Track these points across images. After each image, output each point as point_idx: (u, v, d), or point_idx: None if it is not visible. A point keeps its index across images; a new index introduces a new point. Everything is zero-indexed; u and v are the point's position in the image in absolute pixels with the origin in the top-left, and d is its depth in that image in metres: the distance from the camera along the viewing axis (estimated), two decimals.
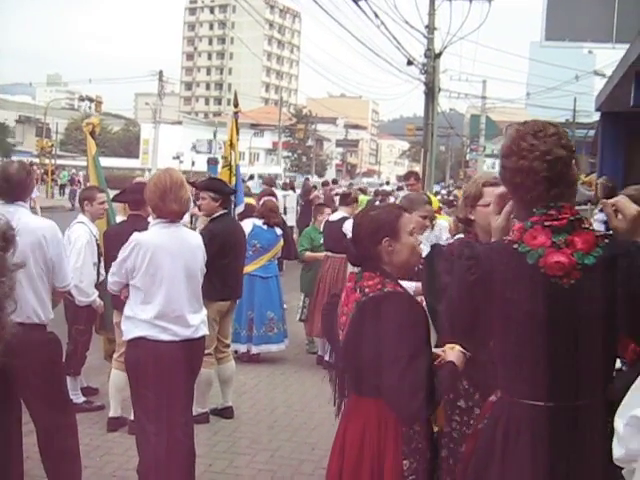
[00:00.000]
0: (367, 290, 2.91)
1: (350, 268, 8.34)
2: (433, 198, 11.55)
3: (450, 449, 3.43)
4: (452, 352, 2.98)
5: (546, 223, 2.43)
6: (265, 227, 8.81)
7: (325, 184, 22.45)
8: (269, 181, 15.30)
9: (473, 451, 2.61)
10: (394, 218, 3.00)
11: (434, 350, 3.01)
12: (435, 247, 3.72)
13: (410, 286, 3.66)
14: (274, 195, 11.86)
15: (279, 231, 8.98)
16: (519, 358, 2.43)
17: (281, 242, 9.00)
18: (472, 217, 3.75)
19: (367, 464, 2.83)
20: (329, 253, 8.92)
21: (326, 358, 8.23)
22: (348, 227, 8.38)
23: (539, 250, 2.39)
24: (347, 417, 3.01)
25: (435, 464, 2.97)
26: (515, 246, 2.43)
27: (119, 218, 7.22)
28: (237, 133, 8.96)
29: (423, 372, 2.76)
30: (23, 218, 4.42)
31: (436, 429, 3.06)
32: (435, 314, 3.31)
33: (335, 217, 9.07)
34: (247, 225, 8.34)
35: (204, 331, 4.68)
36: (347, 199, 9.40)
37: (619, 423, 1.84)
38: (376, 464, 2.82)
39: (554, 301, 2.36)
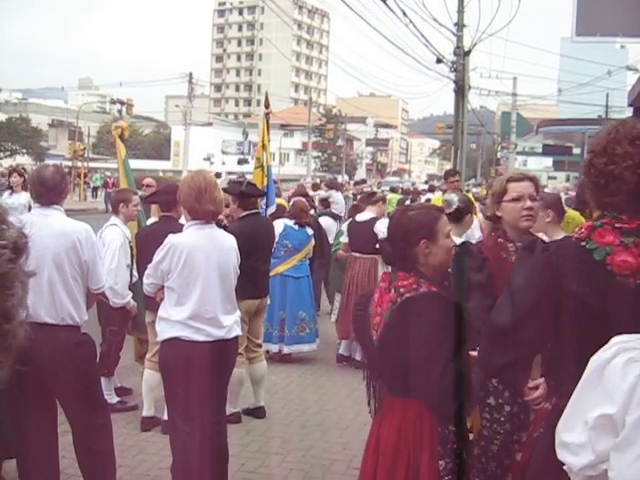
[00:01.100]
0: (402, 290, 2.90)
1: (381, 269, 8.34)
2: (470, 196, 11.51)
3: (481, 447, 3.41)
4: None
5: (617, 225, 2.40)
6: (296, 227, 8.81)
7: (358, 183, 22.35)
8: (301, 191, 15.15)
9: (529, 460, 2.57)
10: (432, 220, 2.99)
11: None
12: (464, 245, 3.70)
13: None
14: (305, 195, 11.87)
15: (310, 231, 8.98)
16: (580, 358, 2.38)
17: (312, 242, 9.00)
18: (499, 214, 3.73)
19: (403, 464, 2.82)
20: (357, 254, 8.76)
21: (356, 357, 8.25)
22: (380, 227, 8.29)
23: (607, 248, 2.36)
24: (381, 417, 3.00)
25: (471, 462, 2.96)
26: (583, 243, 2.41)
27: (150, 220, 7.26)
28: (268, 134, 9.00)
29: (462, 370, 2.75)
30: (58, 221, 4.48)
31: (471, 436, 3.05)
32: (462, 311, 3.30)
33: (363, 217, 8.88)
34: (278, 225, 8.36)
35: (237, 332, 4.70)
36: (372, 198, 9.22)
37: (575, 433, 1.79)
38: (412, 465, 2.81)
39: (619, 299, 2.32)
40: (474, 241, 4.26)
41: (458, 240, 4.63)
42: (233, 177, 16.20)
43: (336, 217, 11.47)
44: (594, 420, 1.72)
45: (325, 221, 9.00)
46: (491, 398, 3.45)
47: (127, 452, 5.71)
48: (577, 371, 2.05)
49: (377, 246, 8.26)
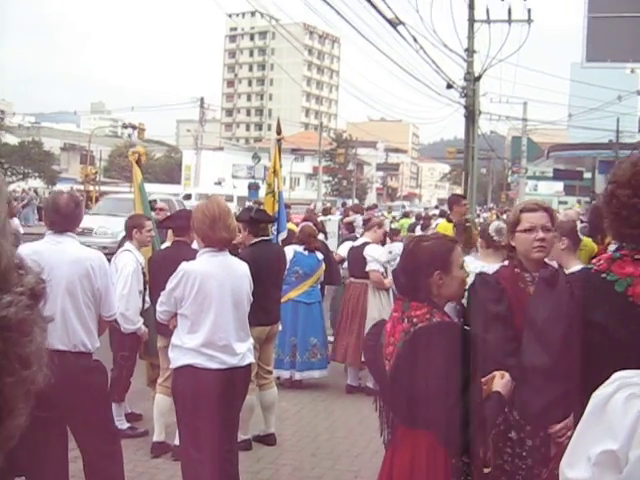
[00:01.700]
0: (415, 320, 2.90)
1: (371, 293, 8.41)
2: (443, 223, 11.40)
3: None
4: (500, 381, 2.94)
5: (636, 256, 2.40)
6: (306, 253, 8.82)
7: (370, 208, 22.32)
8: (310, 216, 15.09)
9: None
10: (447, 251, 2.99)
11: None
12: (481, 276, 3.69)
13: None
14: (313, 220, 11.87)
15: (320, 256, 8.99)
16: None
17: (323, 267, 9.01)
18: (513, 243, 3.72)
19: None
20: (352, 279, 8.96)
21: (368, 385, 8.22)
22: (369, 252, 8.53)
23: (628, 279, 2.36)
24: (394, 448, 2.98)
25: None
26: (604, 275, 2.41)
27: (165, 245, 7.29)
28: (280, 160, 9.03)
29: (474, 402, 2.74)
30: (72, 249, 4.50)
31: (487, 470, 3.02)
32: (481, 342, 3.28)
33: (357, 243, 9.14)
34: (288, 252, 8.36)
35: (250, 359, 4.71)
36: (368, 224, 9.42)
37: (578, 470, 1.77)
38: None
39: None
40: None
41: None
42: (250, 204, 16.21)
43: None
44: (597, 456, 1.69)
45: (376, 247, 9.15)
46: (512, 432, 3.40)
47: (137, 479, 5.69)
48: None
49: (366, 270, 8.52)
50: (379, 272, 8.57)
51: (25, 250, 4.49)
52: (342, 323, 8.93)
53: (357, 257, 8.74)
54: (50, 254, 4.35)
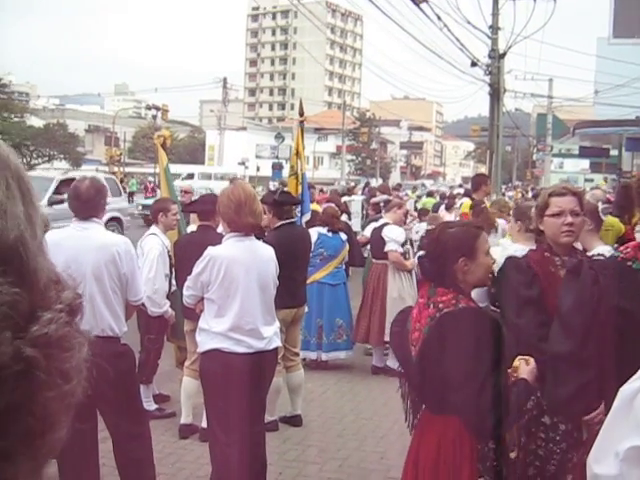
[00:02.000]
0: (441, 305, 2.91)
1: (391, 275, 8.41)
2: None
3: (537, 467, 3.36)
4: (525, 368, 2.94)
5: None
6: (330, 234, 8.82)
7: (395, 188, 22.21)
8: (333, 197, 14.98)
9: None
10: (472, 237, 2.98)
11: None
12: (512, 260, 3.67)
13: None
14: (335, 201, 11.89)
15: (344, 236, 9.00)
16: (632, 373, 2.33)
17: (347, 247, 9.02)
18: (542, 227, 3.70)
19: None
20: (374, 260, 8.99)
21: (389, 365, 8.26)
22: (387, 232, 8.54)
23: None
24: (420, 434, 3.00)
25: None
26: (629, 263, 2.40)
27: (189, 228, 7.33)
28: (303, 141, 9.02)
29: (500, 387, 2.74)
30: (97, 234, 4.55)
31: (513, 455, 3.03)
32: (512, 327, 3.27)
33: (378, 224, 9.14)
34: (312, 234, 8.36)
35: (277, 343, 4.73)
36: (387, 206, 9.43)
37: (606, 465, 1.75)
38: None
39: None
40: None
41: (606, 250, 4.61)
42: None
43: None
44: (625, 452, 1.68)
45: (394, 227, 9.17)
46: (546, 417, 3.38)
47: (165, 460, 5.76)
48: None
49: (384, 251, 8.56)
50: (397, 252, 8.56)
51: (52, 237, 4.56)
52: (364, 304, 8.97)
53: (377, 238, 8.77)
54: (76, 240, 4.40)
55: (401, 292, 8.61)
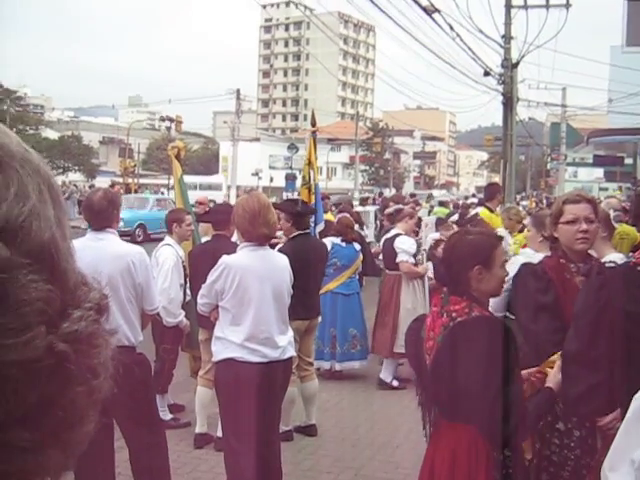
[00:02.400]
0: (454, 314, 2.91)
1: (405, 285, 8.36)
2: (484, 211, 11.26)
3: (550, 473, 3.36)
4: (553, 377, 2.95)
5: None
6: (344, 244, 8.84)
7: (412, 195, 22.13)
8: (346, 207, 14.92)
9: None
10: (490, 247, 2.99)
11: (526, 372, 2.99)
12: (527, 266, 3.68)
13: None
14: (348, 211, 11.88)
15: (358, 246, 9.01)
16: None
17: (360, 257, 9.03)
18: (556, 235, 3.71)
19: None
20: (387, 271, 8.94)
21: (393, 383, 8.24)
22: (398, 244, 8.48)
23: None
24: (436, 442, 3.00)
25: None
26: (639, 268, 2.40)
27: (204, 238, 7.36)
28: (315, 152, 9.05)
29: (515, 396, 2.75)
30: (112, 245, 4.58)
31: (528, 457, 3.03)
32: (528, 333, 3.29)
33: (389, 235, 9.06)
34: (326, 244, 8.37)
35: (291, 352, 4.75)
36: (399, 215, 9.30)
37: (621, 473, 1.74)
38: None
39: None
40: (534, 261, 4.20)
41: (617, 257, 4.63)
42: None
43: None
44: None
45: (405, 238, 9.11)
46: (560, 423, 3.39)
47: (181, 470, 5.78)
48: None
49: (396, 262, 8.49)
50: (409, 263, 8.53)
51: None
52: (378, 315, 8.93)
53: (389, 249, 8.74)
54: (92, 251, 4.44)
55: (414, 303, 8.58)
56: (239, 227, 4.65)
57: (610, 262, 4.77)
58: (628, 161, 53.72)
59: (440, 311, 2.98)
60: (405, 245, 8.53)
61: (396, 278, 8.70)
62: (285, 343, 4.67)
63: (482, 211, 10.87)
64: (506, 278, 3.06)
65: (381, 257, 9.36)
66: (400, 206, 15.56)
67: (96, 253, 4.43)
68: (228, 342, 4.54)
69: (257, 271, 4.55)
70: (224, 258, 4.63)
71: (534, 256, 5.26)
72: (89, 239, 4.63)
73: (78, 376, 0.64)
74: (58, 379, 0.62)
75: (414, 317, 8.39)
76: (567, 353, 2.53)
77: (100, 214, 4.59)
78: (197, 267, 6.07)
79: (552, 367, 3.03)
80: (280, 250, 6.49)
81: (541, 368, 3.10)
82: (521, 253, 6.12)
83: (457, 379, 2.83)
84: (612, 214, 6.41)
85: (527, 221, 6.78)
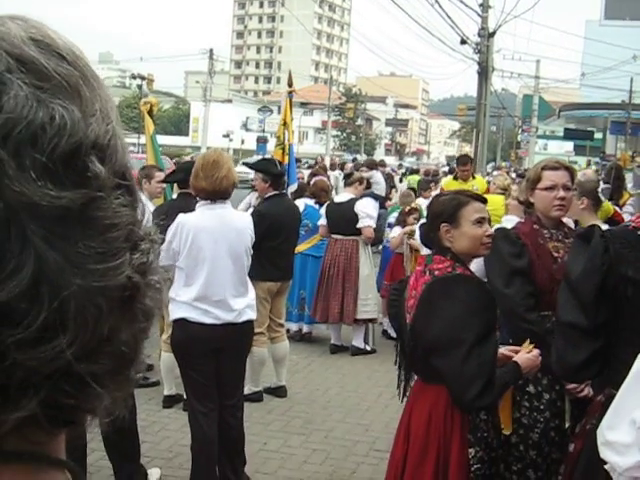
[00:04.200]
0: (437, 273, 2.89)
1: (362, 249, 8.21)
2: (480, 179, 11.39)
3: (520, 435, 3.37)
4: (523, 354, 2.94)
5: None
6: (317, 207, 8.76)
7: (381, 164, 21.97)
8: (319, 171, 14.71)
9: (581, 453, 2.54)
10: (455, 206, 2.97)
11: (502, 350, 2.96)
12: (501, 230, 3.66)
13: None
14: (321, 175, 11.77)
15: None
16: (636, 347, 2.23)
17: None
18: (532, 200, 3.70)
19: (433, 451, 2.81)
20: (338, 236, 8.35)
21: (355, 344, 8.19)
22: (360, 207, 8.15)
23: None
24: (412, 403, 2.98)
25: (503, 452, 2.93)
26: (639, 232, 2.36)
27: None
28: (291, 113, 8.95)
29: (487, 358, 2.72)
30: None
31: (507, 433, 3.02)
32: (501, 297, 3.27)
33: (341, 199, 8.54)
34: (299, 205, 8.26)
35: (249, 315, 4.59)
36: (349, 180, 8.88)
37: (620, 432, 1.72)
38: (442, 452, 2.79)
39: None
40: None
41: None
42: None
43: (378, 198, 11.19)
44: None
45: (368, 202, 8.86)
46: (530, 386, 3.42)
47: (150, 428, 5.74)
48: (634, 360, 1.99)
49: (357, 226, 8.16)
50: (372, 228, 8.29)
51: None
52: (326, 281, 8.34)
53: (344, 214, 8.20)
54: None
55: (370, 269, 8.42)
56: (191, 183, 4.60)
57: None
58: (598, 135, 54.23)
59: (423, 270, 2.95)
60: (368, 209, 8.27)
61: (353, 243, 8.31)
62: (242, 306, 4.53)
63: (447, 179, 11.03)
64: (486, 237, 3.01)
65: (323, 221, 8.55)
66: (373, 172, 15.54)
67: None
68: (181, 302, 4.43)
69: (212, 230, 4.41)
70: (180, 216, 4.50)
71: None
72: None
73: (142, 311, 0.61)
74: (129, 312, 0.59)
75: (369, 283, 8.32)
76: (568, 323, 2.49)
77: None
78: (162, 226, 5.98)
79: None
80: (255, 209, 6.42)
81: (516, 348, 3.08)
82: (505, 221, 6.13)
83: (432, 335, 2.80)
84: (601, 186, 6.45)
85: (514, 188, 6.77)
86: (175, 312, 4.49)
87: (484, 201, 3.08)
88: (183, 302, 4.43)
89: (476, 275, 3.04)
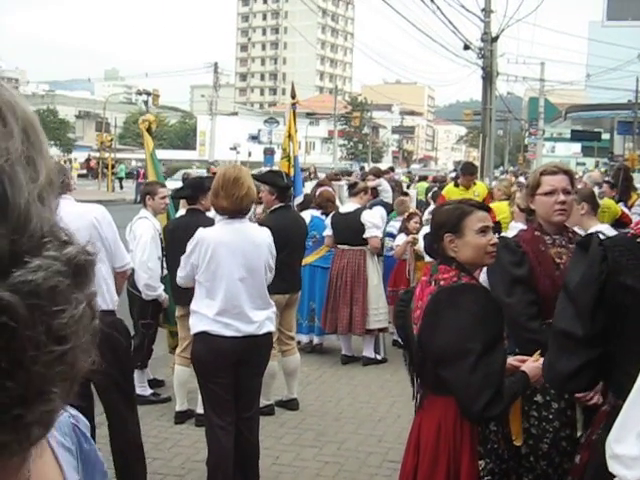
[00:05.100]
0: (442, 283, 2.87)
1: (370, 260, 8.18)
2: (480, 184, 11.34)
3: (529, 446, 3.34)
4: (531, 363, 2.92)
5: None
6: (323, 217, 8.75)
7: (387, 172, 21.84)
8: (325, 182, 14.53)
9: (587, 464, 2.51)
10: (459, 215, 2.95)
11: (509, 360, 2.94)
12: (502, 239, 3.64)
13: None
14: (327, 185, 11.73)
15: None
16: (638, 357, 2.23)
17: None
18: (533, 207, 3.69)
19: (443, 463, 2.78)
20: (344, 246, 8.30)
21: (366, 355, 8.14)
22: (367, 218, 8.13)
23: None
24: (422, 415, 2.95)
25: (514, 464, 2.90)
26: (639, 240, 2.34)
27: (179, 213, 7.27)
28: (295, 124, 8.95)
29: (494, 368, 2.70)
30: (71, 206, 4.52)
31: (518, 444, 3.00)
32: (503, 307, 3.24)
33: (347, 209, 8.49)
34: (305, 217, 8.23)
35: (269, 328, 4.65)
36: (354, 190, 8.77)
37: (628, 445, 1.70)
38: (452, 464, 2.77)
39: None
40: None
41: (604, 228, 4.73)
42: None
43: (387, 206, 11.18)
44: None
45: (378, 211, 8.85)
46: (538, 396, 3.39)
47: (162, 445, 5.72)
48: (636, 370, 1.96)
49: (364, 237, 8.12)
50: (378, 238, 8.29)
51: None
52: (334, 292, 8.30)
53: (351, 224, 8.15)
54: None
55: (378, 279, 8.41)
56: (210, 200, 4.65)
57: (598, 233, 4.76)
58: (605, 136, 54.07)
59: (429, 280, 2.94)
60: (375, 219, 8.27)
61: (361, 253, 8.26)
62: (262, 318, 4.58)
63: (448, 187, 11.03)
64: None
65: (329, 232, 8.50)
66: (380, 180, 15.48)
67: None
68: (202, 315, 4.49)
69: (230, 245, 4.47)
70: (199, 231, 4.58)
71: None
72: None
73: (32, 337, 0.54)
74: (6, 340, 0.53)
75: (378, 293, 8.30)
76: (563, 331, 2.46)
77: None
78: (172, 242, 6.03)
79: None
80: (261, 223, 6.41)
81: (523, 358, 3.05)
82: (511, 228, 6.15)
83: (439, 346, 2.78)
84: (597, 191, 6.49)
85: (519, 195, 6.78)
86: (196, 326, 4.53)
87: (487, 210, 3.07)
88: (205, 315, 4.48)
89: (482, 284, 3.02)
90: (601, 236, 2.50)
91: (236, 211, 4.53)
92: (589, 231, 5.09)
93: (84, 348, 0.59)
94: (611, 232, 3.92)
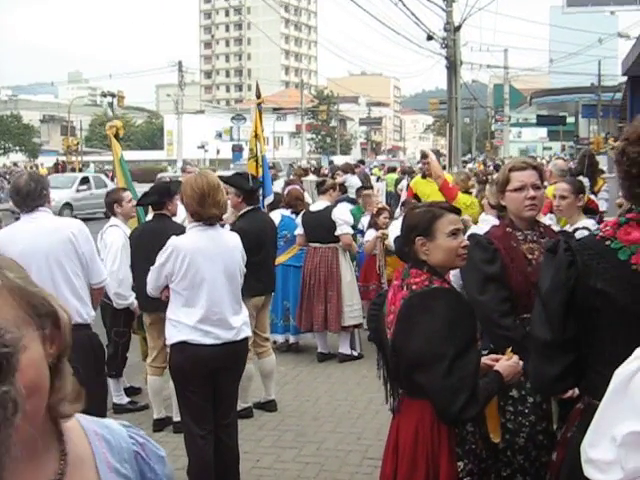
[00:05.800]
0: (414, 287, 2.87)
1: (342, 257, 8.16)
2: (448, 176, 11.32)
3: (506, 440, 3.36)
4: (504, 362, 2.93)
5: None
6: (293, 216, 8.73)
7: (357, 165, 21.74)
8: (294, 180, 14.29)
9: (563, 461, 2.52)
10: (430, 218, 2.95)
11: (483, 359, 2.96)
12: (473, 237, 3.65)
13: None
14: (296, 183, 11.68)
15: None
16: (611, 358, 2.18)
17: None
18: (503, 203, 3.71)
19: (422, 466, 2.78)
20: (316, 244, 8.30)
21: (343, 352, 8.14)
22: (338, 214, 8.14)
23: (632, 247, 2.28)
24: (399, 417, 2.96)
25: (492, 462, 2.92)
26: (608, 242, 2.34)
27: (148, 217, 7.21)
28: (261, 124, 8.91)
29: (468, 371, 2.71)
30: (48, 220, 4.51)
31: (497, 441, 3.01)
32: (476, 304, 3.26)
33: (317, 207, 8.49)
34: (275, 217, 8.23)
35: (247, 333, 4.66)
36: (322, 187, 8.76)
37: (602, 450, 1.71)
38: (431, 466, 2.78)
39: None
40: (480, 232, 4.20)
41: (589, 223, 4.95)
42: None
43: (354, 202, 11.14)
44: (623, 437, 1.64)
45: (345, 207, 8.79)
46: (514, 390, 3.40)
47: None
48: (607, 370, 1.98)
49: (336, 234, 8.12)
50: (349, 235, 8.26)
51: (4, 234, 4.54)
52: (308, 291, 8.29)
53: (322, 222, 8.15)
54: (28, 232, 4.40)
55: (352, 275, 8.43)
56: (188, 208, 4.51)
57: (583, 229, 4.83)
58: (570, 120, 54.62)
59: (401, 284, 2.94)
60: (345, 216, 8.26)
61: (333, 250, 8.26)
62: (239, 324, 4.58)
63: (416, 178, 10.98)
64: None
65: (300, 231, 8.45)
66: (349, 176, 15.43)
67: (32, 231, 4.40)
68: (181, 325, 4.44)
69: (208, 252, 4.44)
70: (172, 240, 4.50)
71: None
72: (23, 222, 4.58)
73: None
74: None
75: (352, 289, 8.29)
76: (538, 339, 2.48)
77: (29, 196, 4.52)
78: (138, 248, 5.94)
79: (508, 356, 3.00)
80: (233, 227, 6.38)
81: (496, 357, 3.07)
82: (481, 221, 6.17)
83: (413, 351, 2.79)
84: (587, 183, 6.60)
85: (488, 188, 6.80)
86: (175, 336, 4.49)
87: (458, 212, 3.07)
88: (184, 325, 4.44)
89: (454, 286, 3.03)
90: (577, 235, 2.51)
91: (220, 217, 4.53)
92: (575, 226, 5.18)
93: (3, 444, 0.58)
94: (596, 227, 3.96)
